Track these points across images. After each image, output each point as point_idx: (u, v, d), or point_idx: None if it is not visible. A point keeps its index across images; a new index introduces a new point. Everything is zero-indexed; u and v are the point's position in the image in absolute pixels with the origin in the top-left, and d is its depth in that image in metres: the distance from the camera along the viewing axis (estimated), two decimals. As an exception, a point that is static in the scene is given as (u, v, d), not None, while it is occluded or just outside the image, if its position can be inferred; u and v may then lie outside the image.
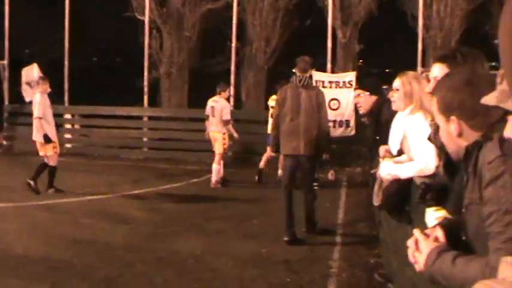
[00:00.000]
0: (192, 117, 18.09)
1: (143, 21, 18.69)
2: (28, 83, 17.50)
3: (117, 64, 37.80)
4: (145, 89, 18.30)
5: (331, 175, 13.60)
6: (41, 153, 11.67)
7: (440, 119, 2.41)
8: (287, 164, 9.08)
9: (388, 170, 4.78)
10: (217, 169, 13.06)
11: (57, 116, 18.20)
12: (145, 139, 18.32)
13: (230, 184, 13.14)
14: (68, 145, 18.36)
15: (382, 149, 5.20)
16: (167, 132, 17.92)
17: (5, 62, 19.13)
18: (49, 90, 12.01)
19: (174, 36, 19.82)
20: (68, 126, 18.79)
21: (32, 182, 11.46)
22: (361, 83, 8.19)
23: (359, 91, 7.41)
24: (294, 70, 9.04)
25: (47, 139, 11.49)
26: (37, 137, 11.58)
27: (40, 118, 11.48)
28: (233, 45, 17.61)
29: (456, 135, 2.31)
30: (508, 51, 0.59)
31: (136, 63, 19.29)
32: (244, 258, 7.72)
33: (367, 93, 7.41)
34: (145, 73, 18.30)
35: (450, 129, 2.33)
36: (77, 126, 18.97)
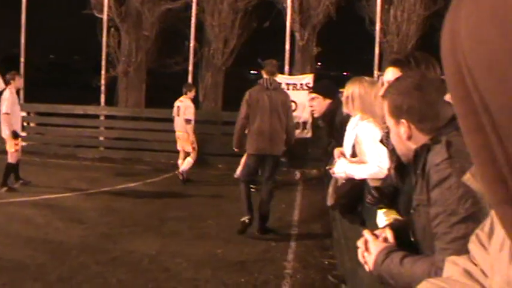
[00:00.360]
0: (149, 117, 18.01)
1: (101, 19, 18.52)
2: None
3: (75, 62, 37.42)
4: (102, 88, 18.15)
5: (297, 175, 13.71)
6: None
7: (390, 122, 2.46)
8: (250, 163, 9.23)
9: (343, 168, 4.85)
10: (189, 162, 13.44)
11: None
12: (101, 138, 18.15)
13: (187, 184, 13.11)
14: (23, 143, 18.06)
15: (337, 151, 5.26)
16: (124, 132, 17.79)
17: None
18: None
19: (132, 35, 19.68)
20: (23, 124, 18.50)
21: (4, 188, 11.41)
22: (315, 86, 8.27)
23: (313, 95, 7.47)
24: (262, 72, 9.25)
25: (15, 135, 11.41)
26: (5, 133, 11.46)
27: (7, 114, 11.36)
28: (191, 45, 17.59)
29: (406, 138, 2.36)
30: (450, 75, 0.61)
31: (94, 61, 19.13)
32: (199, 258, 7.72)
33: (321, 96, 7.50)
34: (103, 72, 18.15)
35: (400, 132, 2.38)
36: (32, 124, 18.67)
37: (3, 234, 8.44)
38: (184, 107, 13.35)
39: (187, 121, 13.29)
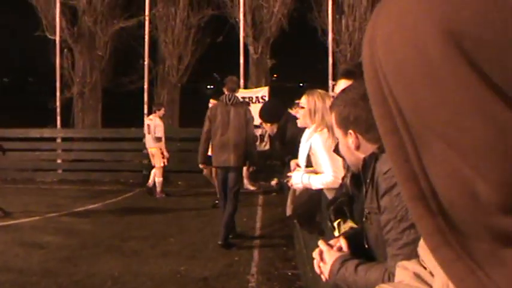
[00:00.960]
0: (106, 137, 17.87)
1: (54, 41, 18.38)
2: None
3: (29, 84, 37.00)
4: (58, 110, 17.98)
5: (274, 183, 13.78)
6: None
7: (338, 133, 2.50)
8: (219, 176, 9.58)
9: (299, 179, 4.90)
10: (159, 181, 13.83)
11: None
12: (59, 161, 17.94)
13: (146, 202, 13.06)
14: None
15: (293, 163, 5.31)
16: (81, 153, 17.64)
17: None
18: None
19: (86, 56, 19.57)
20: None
21: None
22: (261, 114, 8.42)
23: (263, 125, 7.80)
24: (223, 89, 9.71)
25: None
26: None
27: None
28: (146, 63, 17.56)
29: (354, 148, 2.40)
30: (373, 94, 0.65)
31: (48, 83, 18.94)
32: (163, 277, 7.69)
33: (268, 124, 7.70)
34: (58, 93, 17.99)
35: (348, 142, 2.42)
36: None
37: (-39, 264, 8.29)
38: (154, 125, 13.75)
39: (158, 139, 13.72)
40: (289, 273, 7.79)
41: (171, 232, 10.16)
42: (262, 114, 8.12)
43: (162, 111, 14.16)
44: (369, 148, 2.33)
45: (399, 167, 0.63)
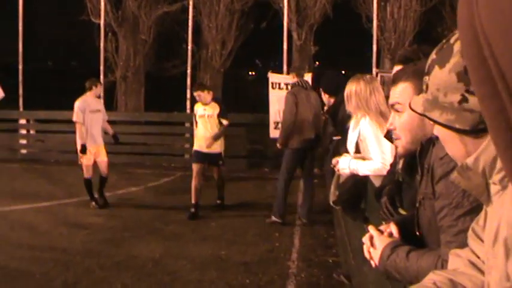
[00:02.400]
0: (148, 121, 17.99)
1: (98, 25, 18.52)
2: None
3: (73, 68, 37.41)
4: (101, 93, 18.13)
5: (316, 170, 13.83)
6: None
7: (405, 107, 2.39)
8: (295, 157, 9.71)
9: (346, 164, 4.84)
10: None
11: (12, 121, 18.01)
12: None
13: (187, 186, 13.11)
14: (23, 151, 18.09)
15: (334, 161, 5.18)
16: (124, 136, 17.77)
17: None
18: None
19: (130, 40, 19.70)
20: (23, 131, 18.48)
21: None
22: (320, 82, 8.30)
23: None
24: (291, 75, 10.21)
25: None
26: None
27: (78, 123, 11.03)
28: (189, 48, 17.59)
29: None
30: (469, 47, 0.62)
31: (92, 67, 19.11)
32: (203, 260, 7.72)
33: (326, 95, 7.58)
34: (101, 77, 18.14)
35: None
36: (32, 132, 18.65)
37: (6, 243, 8.43)
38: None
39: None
40: (330, 261, 7.76)
41: (211, 216, 10.20)
42: (324, 83, 7.99)
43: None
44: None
45: (499, 134, 0.60)
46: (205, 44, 19.77)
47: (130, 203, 11.44)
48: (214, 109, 10.30)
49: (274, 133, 13.22)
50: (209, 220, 9.96)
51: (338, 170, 5.03)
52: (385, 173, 4.12)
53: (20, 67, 18.30)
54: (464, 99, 1.49)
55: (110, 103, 19.26)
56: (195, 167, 10.41)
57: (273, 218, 9.58)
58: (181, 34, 18.46)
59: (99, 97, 11.18)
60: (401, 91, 2.49)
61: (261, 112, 15.59)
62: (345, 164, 4.84)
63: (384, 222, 2.66)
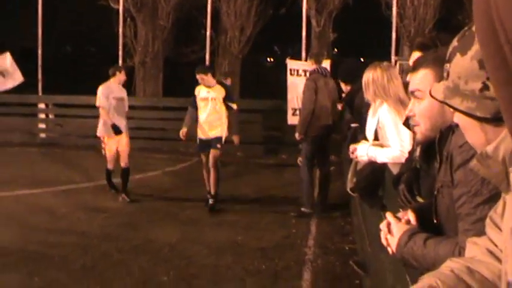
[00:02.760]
0: (166, 106, 18.03)
1: (117, 10, 18.54)
2: (1, 73, 17.26)
3: (91, 53, 37.49)
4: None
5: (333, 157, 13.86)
6: None
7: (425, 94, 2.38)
8: (314, 145, 9.67)
9: (365, 151, 4.83)
10: None
11: (31, 105, 18.13)
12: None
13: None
14: (43, 135, 18.21)
15: (352, 148, 5.17)
16: (142, 122, 17.84)
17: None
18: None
19: (149, 25, 19.72)
20: (42, 116, 18.59)
21: None
22: (338, 70, 8.30)
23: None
24: (309, 62, 10.17)
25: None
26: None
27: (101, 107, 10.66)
28: (207, 33, 17.57)
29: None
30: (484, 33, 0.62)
31: (110, 52, 19.16)
32: (220, 246, 7.77)
33: (343, 83, 7.57)
34: (120, 62, 18.18)
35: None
36: (51, 116, 18.76)
37: (25, 225, 8.52)
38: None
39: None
40: (347, 248, 7.77)
41: (228, 202, 10.21)
42: (341, 71, 7.99)
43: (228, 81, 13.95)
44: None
45: None
46: (223, 29, 19.75)
47: (147, 187, 11.50)
48: (219, 92, 9.90)
49: (292, 120, 13.19)
50: (224, 206, 9.97)
51: (356, 157, 5.02)
52: (403, 160, 4.10)
53: (39, 52, 18.38)
54: (485, 87, 1.48)
55: (128, 88, 19.28)
56: (202, 156, 10.19)
57: (303, 209, 9.48)
58: (200, 20, 18.44)
59: (123, 85, 10.98)
60: (422, 78, 2.49)
61: (279, 98, 15.56)
62: (363, 151, 4.83)
63: (401, 210, 2.65)
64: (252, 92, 21.13)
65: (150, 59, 19.74)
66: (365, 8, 20.74)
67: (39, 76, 18.28)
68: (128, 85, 19.20)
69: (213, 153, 9.87)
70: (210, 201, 9.83)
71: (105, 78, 10.78)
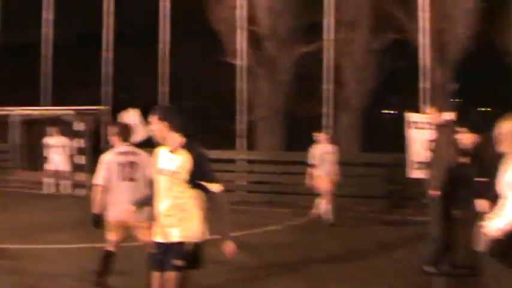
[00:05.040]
0: (286, 161, 18.14)
1: (237, 65, 19.02)
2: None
3: (212, 108, 38.43)
4: (239, 132, 18.51)
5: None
6: None
7: None
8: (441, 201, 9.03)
9: (496, 226, 4.72)
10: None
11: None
12: (241, 182, 18.44)
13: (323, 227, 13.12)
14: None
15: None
16: (262, 176, 18.04)
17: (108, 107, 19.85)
18: None
19: (269, 80, 20.07)
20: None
21: None
22: (464, 121, 8.16)
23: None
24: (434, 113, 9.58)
25: None
26: None
27: None
28: (326, 87, 17.65)
29: None
30: None
31: (231, 107, 19.59)
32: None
33: (468, 134, 7.41)
34: (240, 117, 18.54)
35: None
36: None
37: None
38: None
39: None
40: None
41: (348, 257, 10.10)
42: (469, 121, 7.85)
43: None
44: None
45: None
46: (342, 83, 19.81)
47: (269, 241, 11.55)
48: None
49: (415, 173, 13.00)
50: (348, 260, 9.86)
51: (487, 234, 4.87)
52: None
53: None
54: None
55: (249, 142, 19.61)
56: None
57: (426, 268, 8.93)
58: (319, 74, 18.61)
59: None
60: None
61: (397, 152, 15.36)
62: (495, 227, 4.70)
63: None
64: (370, 145, 20.95)
65: (271, 114, 20.03)
66: (487, 56, 20.31)
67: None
68: (249, 139, 19.59)
69: None
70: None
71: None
